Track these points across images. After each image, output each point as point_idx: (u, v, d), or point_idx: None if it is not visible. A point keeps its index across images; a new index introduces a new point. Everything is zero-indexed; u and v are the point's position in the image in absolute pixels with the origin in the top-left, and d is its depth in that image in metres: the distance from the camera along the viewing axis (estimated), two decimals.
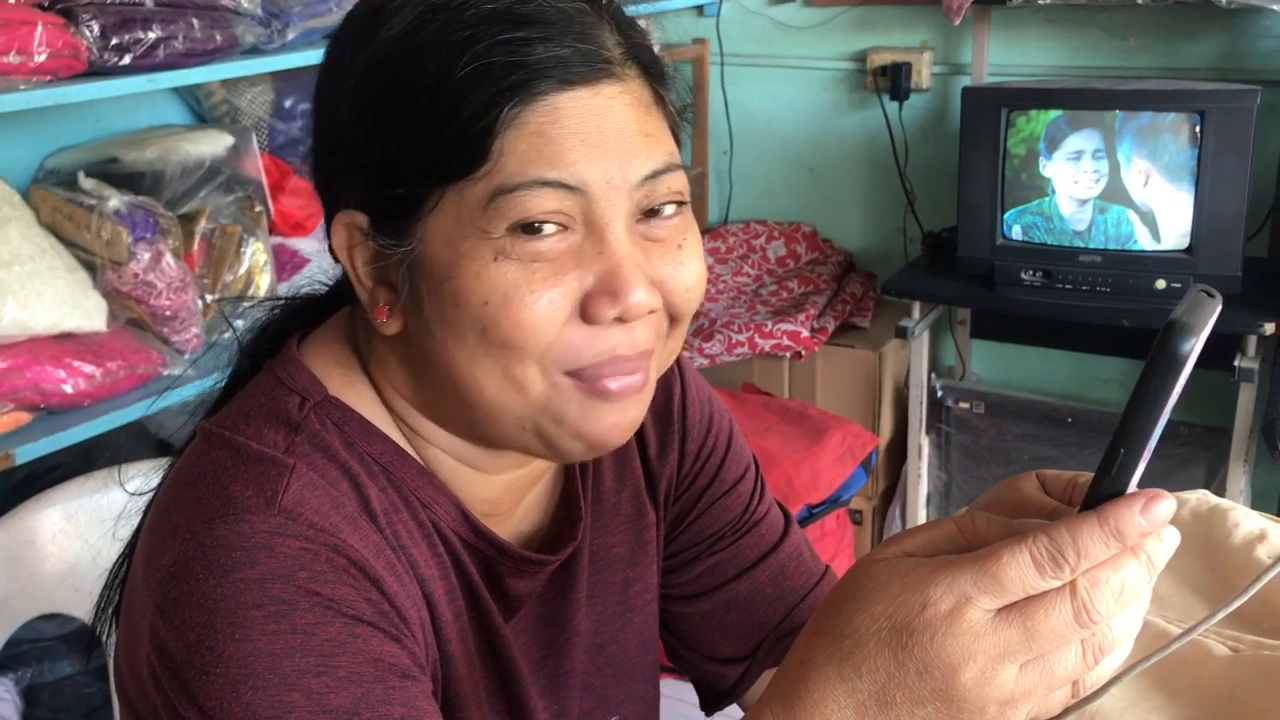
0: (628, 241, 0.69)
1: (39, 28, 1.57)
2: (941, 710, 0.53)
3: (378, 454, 0.75)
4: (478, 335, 0.68)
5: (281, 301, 0.85)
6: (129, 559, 0.87)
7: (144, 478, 0.94)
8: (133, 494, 0.85)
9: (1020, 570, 0.51)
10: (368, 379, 0.78)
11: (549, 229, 0.67)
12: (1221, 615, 0.55)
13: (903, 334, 2.57)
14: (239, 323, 0.89)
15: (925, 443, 2.76)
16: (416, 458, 0.77)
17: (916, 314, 2.60)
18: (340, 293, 0.84)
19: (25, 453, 1.63)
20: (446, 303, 0.68)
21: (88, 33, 1.63)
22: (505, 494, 0.82)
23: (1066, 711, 0.55)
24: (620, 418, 0.72)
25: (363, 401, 0.77)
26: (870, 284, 3.02)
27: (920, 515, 2.80)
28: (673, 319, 0.73)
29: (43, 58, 1.58)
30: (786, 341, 2.74)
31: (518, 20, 0.67)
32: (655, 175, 0.69)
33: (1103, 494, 0.52)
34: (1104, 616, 0.52)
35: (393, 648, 0.68)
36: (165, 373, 1.82)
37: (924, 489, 2.79)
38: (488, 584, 0.80)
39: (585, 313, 0.68)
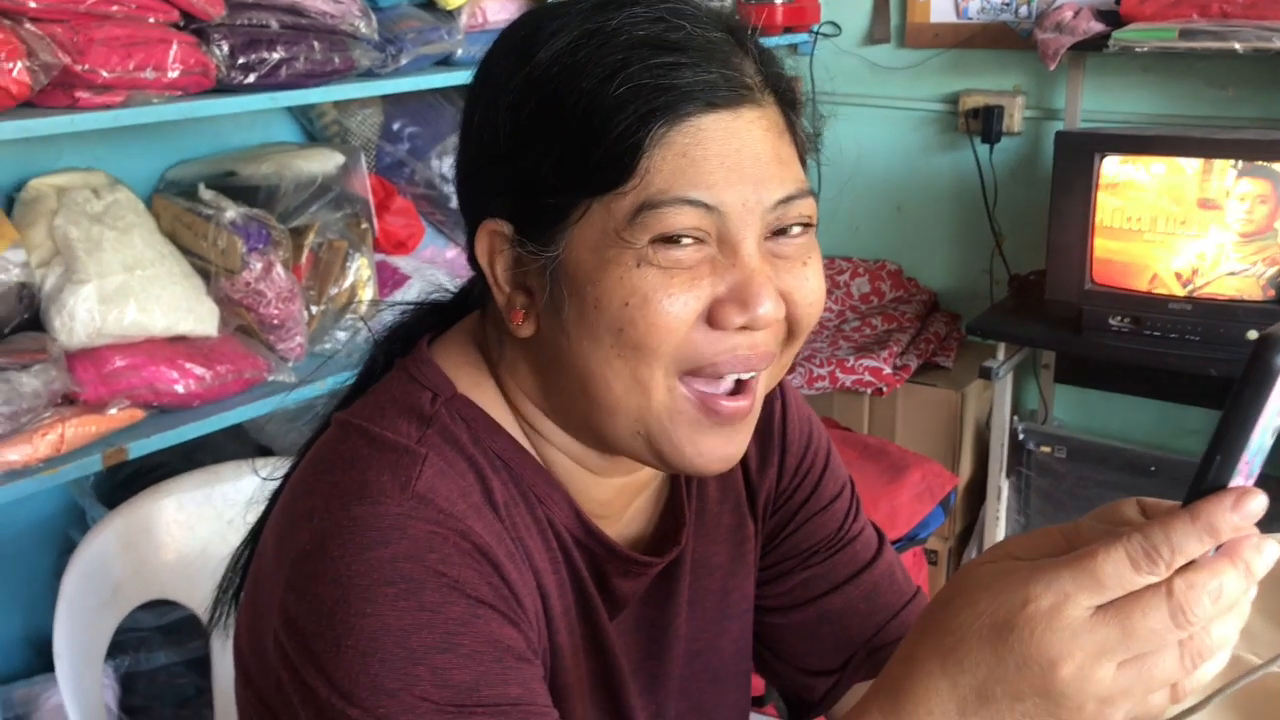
0: (758, 256, 0.73)
1: (174, 46, 1.66)
2: (1040, 705, 0.55)
3: (500, 450, 0.79)
4: (614, 336, 0.72)
5: (412, 306, 0.90)
6: (254, 543, 0.91)
7: (268, 469, 0.99)
8: (265, 479, 0.90)
9: (1116, 566, 0.54)
10: (494, 379, 0.82)
11: (687, 241, 0.71)
12: None
13: (986, 375, 2.57)
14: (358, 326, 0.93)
15: (1005, 485, 2.75)
16: (536, 456, 0.82)
17: (1001, 355, 2.60)
18: (465, 299, 0.89)
19: (137, 448, 1.70)
20: (587, 305, 0.72)
21: (218, 52, 1.72)
22: (615, 497, 0.86)
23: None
24: (728, 447, 0.77)
25: (488, 400, 0.81)
26: (954, 324, 3.03)
27: None
28: (791, 332, 0.77)
29: (175, 74, 1.66)
30: (868, 378, 2.76)
31: (668, 46, 0.72)
32: (788, 200, 0.74)
33: (1199, 495, 0.54)
34: (1200, 619, 0.54)
35: (511, 630, 0.72)
36: (269, 378, 1.89)
37: (1002, 532, 2.77)
38: (596, 582, 0.83)
39: (712, 317, 0.73)
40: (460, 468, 0.76)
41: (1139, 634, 0.54)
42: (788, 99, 0.77)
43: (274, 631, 0.73)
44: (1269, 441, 0.56)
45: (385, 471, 0.73)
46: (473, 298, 0.87)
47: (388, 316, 0.91)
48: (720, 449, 0.77)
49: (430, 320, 0.88)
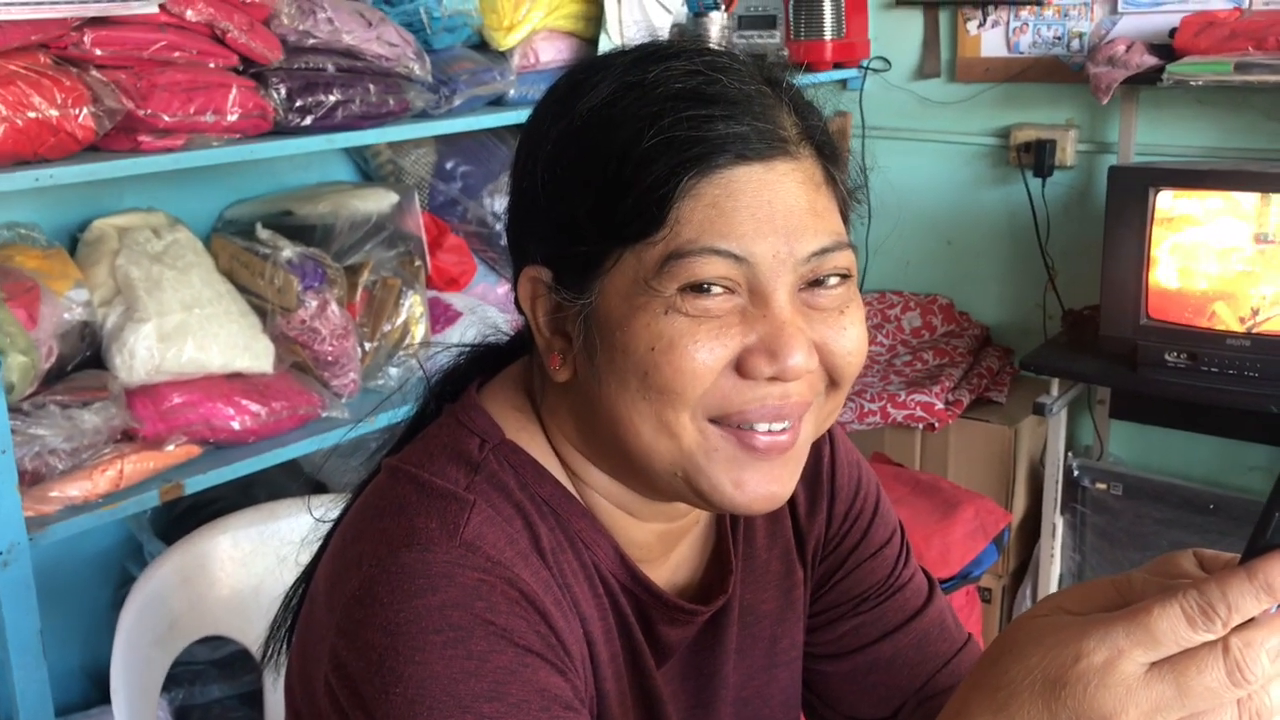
0: (790, 308, 0.73)
1: (233, 90, 1.70)
2: None
3: (548, 495, 0.80)
4: (639, 380, 0.72)
5: (468, 348, 0.91)
6: (306, 584, 0.93)
7: (322, 509, 1.00)
8: (319, 519, 0.91)
9: (1172, 623, 0.53)
10: (540, 425, 0.83)
11: (716, 290, 0.72)
12: None
13: (1040, 411, 2.55)
14: (395, 370, 0.92)
15: (1059, 522, 2.71)
16: (581, 501, 0.82)
17: (1055, 391, 2.57)
18: (519, 344, 0.90)
19: (194, 483, 1.73)
20: (616, 350, 0.73)
21: (276, 95, 1.76)
22: (658, 541, 0.86)
23: None
24: (771, 485, 0.76)
25: (535, 445, 0.82)
26: (1007, 359, 3.00)
27: None
28: (833, 381, 0.77)
29: (234, 117, 1.70)
30: (920, 413, 2.74)
31: (703, 99, 0.72)
32: (823, 252, 0.73)
33: (1257, 553, 0.53)
34: (1258, 678, 0.53)
35: (558, 680, 0.72)
36: (324, 415, 1.91)
37: (1056, 570, 2.73)
38: (643, 629, 0.83)
39: (741, 367, 0.72)
40: (508, 514, 0.77)
41: (1195, 692, 0.53)
42: (827, 151, 0.77)
43: (324, 675, 0.74)
44: None
45: (434, 518, 0.74)
46: (523, 342, 0.88)
47: (442, 358, 0.92)
48: (763, 485, 0.75)
49: (482, 364, 0.89)
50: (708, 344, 0.71)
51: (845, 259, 0.75)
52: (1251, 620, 0.54)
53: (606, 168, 0.73)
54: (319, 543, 0.92)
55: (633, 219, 0.72)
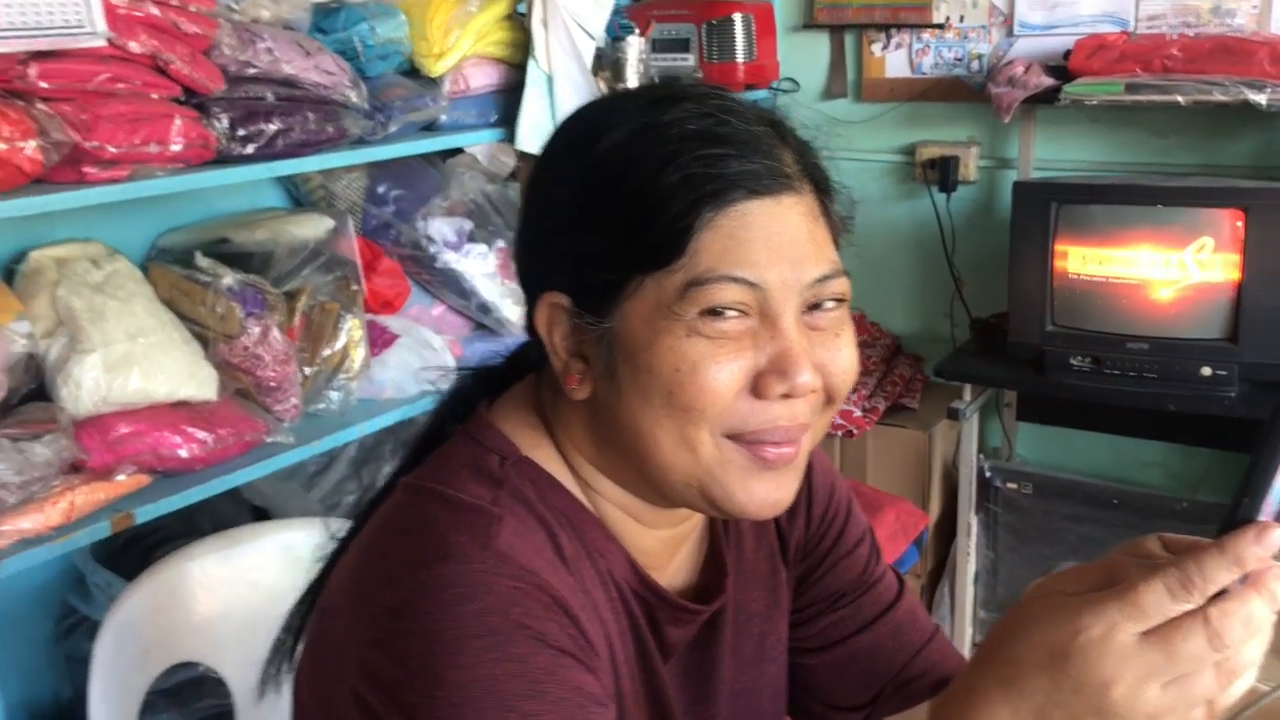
0: (796, 330, 0.80)
1: (176, 120, 1.71)
2: None
3: (563, 507, 0.85)
4: (664, 398, 0.78)
5: (470, 372, 0.96)
6: (310, 604, 0.96)
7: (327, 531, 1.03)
8: (332, 535, 0.95)
9: (1156, 596, 0.61)
10: (551, 440, 0.88)
11: (731, 314, 0.78)
12: None
13: (954, 415, 2.66)
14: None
15: (974, 521, 2.84)
16: (593, 512, 0.87)
17: (968, 396, 2.69)
18: (516, 363, 0.95)
19: (144, 513, 1.73)
20: (640, 370, 0.79)
21: (218, 124, 1.77)
22: (663, 548, 0.92)
23: None
24: (777, 492, 0.83)
25: (548, 460, 0.87)
26: (917, 367, 3.12)
27: (968, 593, 2.86)
28: (828, 398, 0.84)
29: (178, 147, 1.71)
30: (839, 420, 2.84)
31: (716, 139, 0.79)
32: (823, 279, 0.81)
33: (1228, 530, 0.62)
34: (1234, 643, 0.61)
35: (589, 678, 0.77)
36: (268, 440, 1.92)
37: (972, 567, 2.85)
38: (650, 630, 0.89)
39: (756, 388, 0.79)
40: (532, 525, 0.82)
41: (1180, 657, 0.61)
42: (823, 186, 0.85)
43: (350, 688, 0.77)
44: None
45: (464, 532, 0.79)
46: (527, 363, 0.93)
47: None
48: (771, 494, 0.82)
49: (487, 384, 0.94)
50: (727, 365, 0.78)
51: (842, 285, 0.82)
52: (1224, 592, 0.62)
53: (629, 202, 0.78)
54: (320, 564, 0.96)
55: (655, 249, 0.78)
